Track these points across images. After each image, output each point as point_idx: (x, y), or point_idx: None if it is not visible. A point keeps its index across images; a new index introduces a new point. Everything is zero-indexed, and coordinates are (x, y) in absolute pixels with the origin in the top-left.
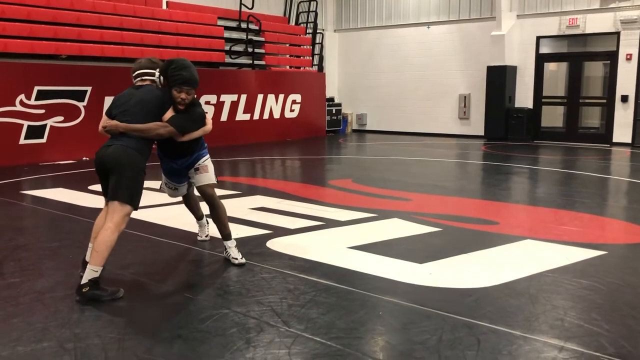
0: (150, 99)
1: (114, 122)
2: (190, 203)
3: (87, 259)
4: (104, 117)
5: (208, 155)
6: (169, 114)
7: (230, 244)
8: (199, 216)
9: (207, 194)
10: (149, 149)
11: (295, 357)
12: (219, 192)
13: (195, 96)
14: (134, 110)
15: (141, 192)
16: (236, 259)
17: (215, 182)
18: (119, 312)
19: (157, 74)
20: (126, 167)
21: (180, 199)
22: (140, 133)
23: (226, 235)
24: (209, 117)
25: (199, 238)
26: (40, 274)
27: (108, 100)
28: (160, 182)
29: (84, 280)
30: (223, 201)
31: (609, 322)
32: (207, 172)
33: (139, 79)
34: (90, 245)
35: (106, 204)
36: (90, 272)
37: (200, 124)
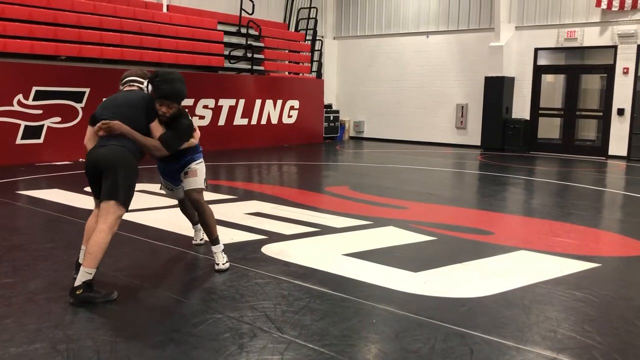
0: (137, 99)
1: (117, 121)
2: (186, 207)
3: (80, 261)
4: (89, 128)
5: (201, 160)
6: (156, 124)
7: (216, 249)
8: (194, 221)
9: (192, 198)
10: (141, 152)
11: None
12: (215, 196)
13: (183, 107)
14: (123, 109)
15: (133, 194)
16: (218, 264)
17: (203, 187)
18: (112, 314)
19: (145, 82)
20: (121, 167)
21: (175, 202)
22: (136, 141)
23: (213, 240)
24: (197, 133)
25: (194, 242)
26: (34, 274)
27: None
28: (160, 184)
29: (78, 283)
30: (219, 205)
31: (602, 335)
32: (195, 176)
33: (127, 85)
34: (82, 247)
35: (97, 205)
36: (84, 274)
37: (187, 138)
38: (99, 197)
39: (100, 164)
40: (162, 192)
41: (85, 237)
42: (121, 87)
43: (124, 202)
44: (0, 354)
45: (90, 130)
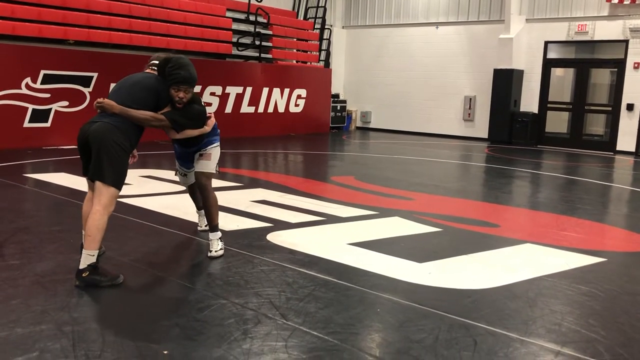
0: (151, 82)
1: (110, 101)
2: (194, 191)
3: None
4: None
5: (217, 144)
6: (166, 109)
7: (214, 236)
8: (199, 206)
9: (199, 181)
10: (136, 132)
11: (292, 350)
12: (221, 183)
13: (197, 93)
14: (130, 90)
15: (126, 173)
16: (211, 250)
17: (213, 172)
18: (117, 298)
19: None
20: (109, 147)
21: (182, 188)
22: (132, 119)
23: (212, 227)
24: (212, 120)
25: (199, 228)
26: (40, 257)
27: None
28: (175, 170)
29: (82, 265)
30: (225, 192)
31: (606, 329)
32: (208, 160)
33: (150, 67)
34: (83, 232)
35: (90, 188)
36: (87, 257)
37: (197, 122)
38: (86, 171)
39: (88, 140)
40: (170, 178)
41: (84, 220)
42: (145, 68)
43: (113, 183)
44: (7, 334)
45: None
